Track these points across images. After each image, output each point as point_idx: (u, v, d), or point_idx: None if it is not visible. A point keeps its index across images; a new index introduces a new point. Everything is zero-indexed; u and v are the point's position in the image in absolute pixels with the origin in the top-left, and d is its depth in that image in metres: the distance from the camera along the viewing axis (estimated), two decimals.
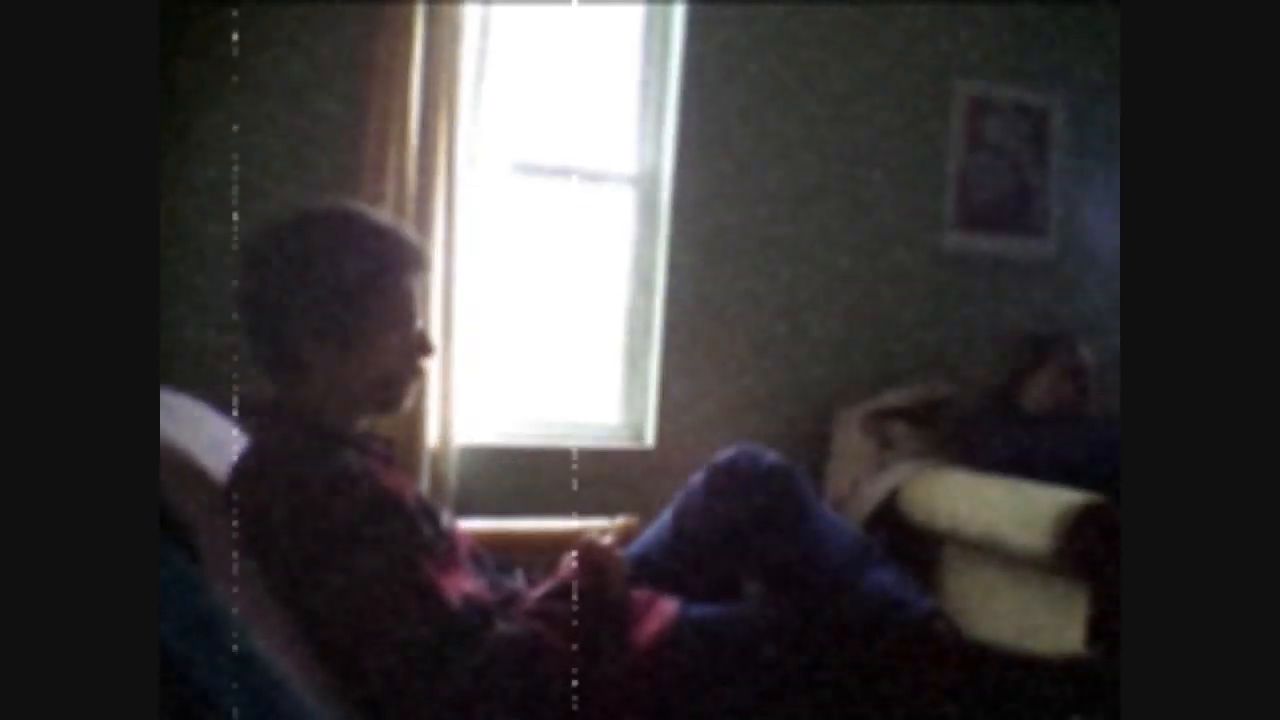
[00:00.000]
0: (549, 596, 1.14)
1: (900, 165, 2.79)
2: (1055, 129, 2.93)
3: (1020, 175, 2.90)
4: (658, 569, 1.34)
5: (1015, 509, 1.99)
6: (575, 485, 2.45)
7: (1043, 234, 2.93)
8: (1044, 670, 1.13)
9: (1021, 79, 2.90)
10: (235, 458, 1.17)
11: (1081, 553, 1.85)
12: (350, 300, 1.15)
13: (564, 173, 2.58)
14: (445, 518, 1.22)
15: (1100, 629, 1.87)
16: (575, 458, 2.46)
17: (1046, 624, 1.96)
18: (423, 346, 1.24)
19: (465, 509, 2.10)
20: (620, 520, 1.61)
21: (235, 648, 0.69)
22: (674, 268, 2.58)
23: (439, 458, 2.21)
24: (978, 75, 2.84)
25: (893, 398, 2.56)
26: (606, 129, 2.64)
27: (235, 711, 0.64)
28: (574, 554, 1.20)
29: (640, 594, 1.25)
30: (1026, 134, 2.90)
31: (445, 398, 2.22)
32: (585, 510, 2.03)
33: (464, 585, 1.11)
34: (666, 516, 1.40)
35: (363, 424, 1.25)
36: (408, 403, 1.26)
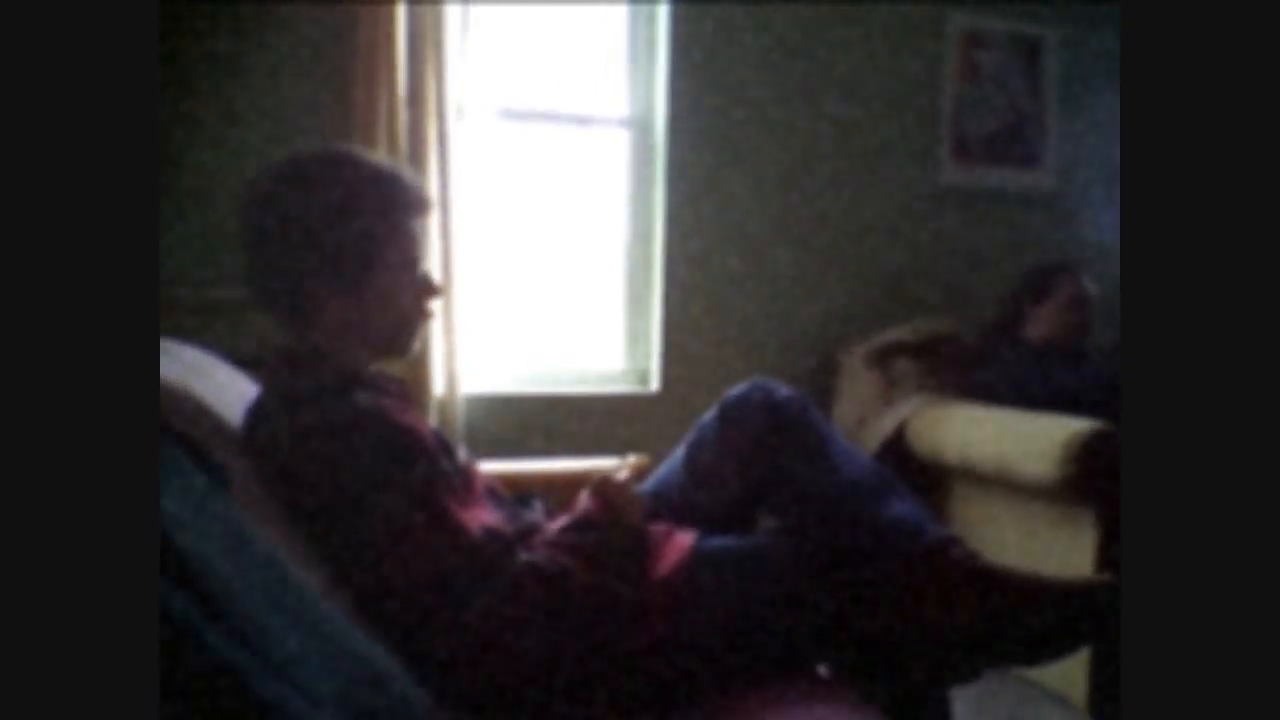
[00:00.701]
0: (568, 529, 1.15)
1: (895, 99, 2.76)
2: (1050, 59, 2.89)
3: (1016, 106, 2.87)
4: (673, 503, 1.35)
5: (1022, 439, 2.00)
6: (583, 431, 2.46)
7: (1040, 165, 2.91)
8: (1061, 594, 1.13)
9: (1014, 9, 2.86)
10: (249, 403, 1.17)
11: (1089, 479, 1.87)
12: (358, 241, 1.14)
13: (555, 118, 2.55)
14: (462, 453, 1.23)
15: (1108, 554, 1.90)
16: (582, 404, 2.47)
17: (1054, 551, 1.98)
18: (429, 288, 1.23)
19: (476, 456, 2.11)
20: (634, 458, 1.62)
21: (269, 568, 0.70)
22: (672, 211, 2.56)
23: (446, 406, 2.21)
24: (970, 7, 2.80)
25: (896, 334, 2.56)
26: (597, 73, 2.60)
27: (275, 624, 0.65)
28: (590, 490, 1.21)
29: (657, 527, 1.25)
30: (1021, 65, 2.87)
31: (449, 346, 2.22)
32: (595, 455, 2.04)
33: (484, 518, 1.11)
34: (680, 452, 1.40)
35: (373, 368, 1.25)
36: (416, 345, 1.25)
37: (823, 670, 1.29)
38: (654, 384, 2.59)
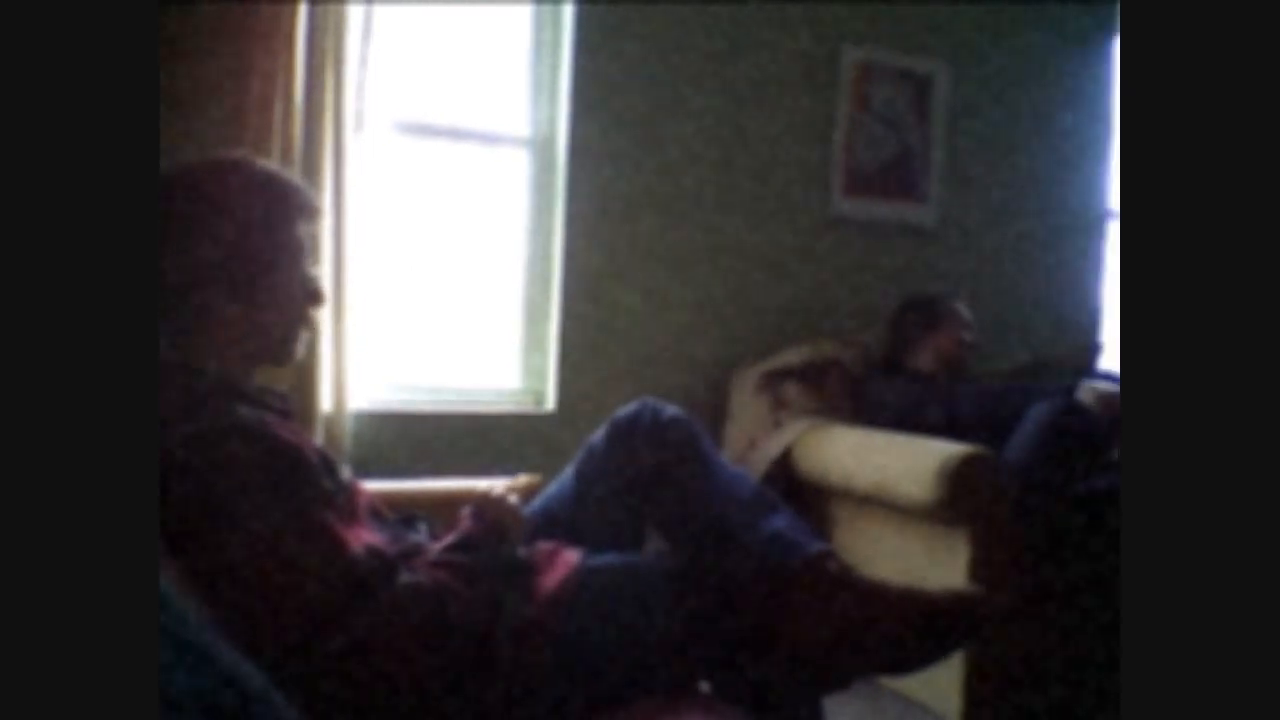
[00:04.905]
0: (451, 548, 1.14)
1: (791, 129, 2.85)
2: (939, 95, 3.03)
3: (905, 141, 2.99)
4: (561, 522, 1.36)
5: (902, 462, 2.08)
6: (476, 450, 2.44)
7: (925, 199, 3.04)
8: (931, 604, 1.18)
9: (906, 45, 2.99)
10: None
11: (963, 501, 1.96)
12: (238, 246, 1.12)
13: (456, 134, 2.54)
14: (345, 471, 1.21)
15: (979, 573, 1.99)
16: (476, 423, 2.45)
17: (930, 570, 2.07)
18: (313, 295, 1.22)
19: (363, 474, 2.07)
20: (523, 478, 1.61)
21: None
22: (571, 232, 2.57)
23: (333, 422, 2.17)
24: (864, 41, 2.91)
25: (786, 359, 2.63)
26: (499, 91, 2.61)
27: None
28: (472, 508, 1.21)
29: (544, 546, 1.26)
30: (911, 100, 2.99)
31: (338, 362, 2.18)
32: (487, 475, 2.02)
33: (366, 537, 1.09)
34: (569, 471, 1.41)
35: (256, 379, 1.22)
36: (299, 352, 1.23)
37: (705, 687, 1.31)
38: (549, 404, 2.59)
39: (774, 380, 2.59)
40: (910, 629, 1.18)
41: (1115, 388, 2.12)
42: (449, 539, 1.18)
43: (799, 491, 2.40)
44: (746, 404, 2.59)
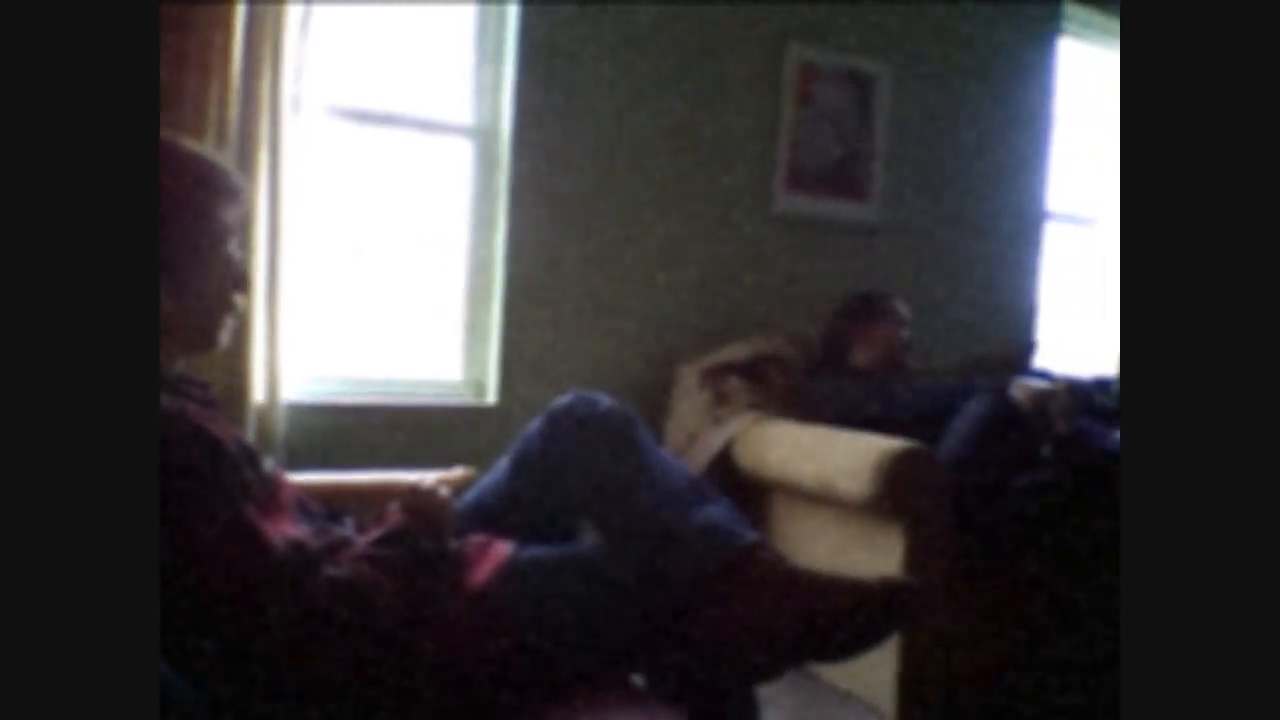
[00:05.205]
0: (378, 542, 1.12)
1: (737, 125, 2.85)
2: (881, 96, 3.06)
3: (847, 140, 3.02)
4: (495, 514, 1.34)
5: (840, 457, 2.10)
6: (416, 443, 2.41)
7: (867, 198, 3.07)
8: (862, 592, 1.19)
9: (850, 45, 3.01)
10: None
11: (899, 495, 1.98)
12: (170, 231, 1.08)
13: (397, 121, 2.50)
14: (268, 463, 1.18)
15: (914, 565, 2.02)
16: (415, 415, 2.42)
17: (868, 563, 2.09)
18: (238, 280, 1.18)
19: (298, 467, 2.03)
20: (458, 471, 1.60)
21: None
22: (514, 223, 2.55)
23: (265, 413, 2.12)
24: (809, 40, 2.93)
25: (728, 353, 2.64)
26: (442, 78, 2.57)
27: None
28: (400, 501, 1.19)
29: (475, 538, 1.24)
30: (854, 100, 3.02)
31: (272, 352, 2.13)
32: (426, 468, 1.99)
33: (288, 529, 1.07)
34: (503, 463, 1.39)
35: (179, 366, 1.18)
36: (224, 340, 1.19)
37: (637, 680, 1.31)
38: (491, 396, 2.57)
39: (716, 375, 2.60)
40: (843, 616, 1.18)
41: (1047, 385, 2.16)
42: (376, 532, 1.16)
43: (740, 486, 2.41)
44: (688, 399, 2.59)
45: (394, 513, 1.19)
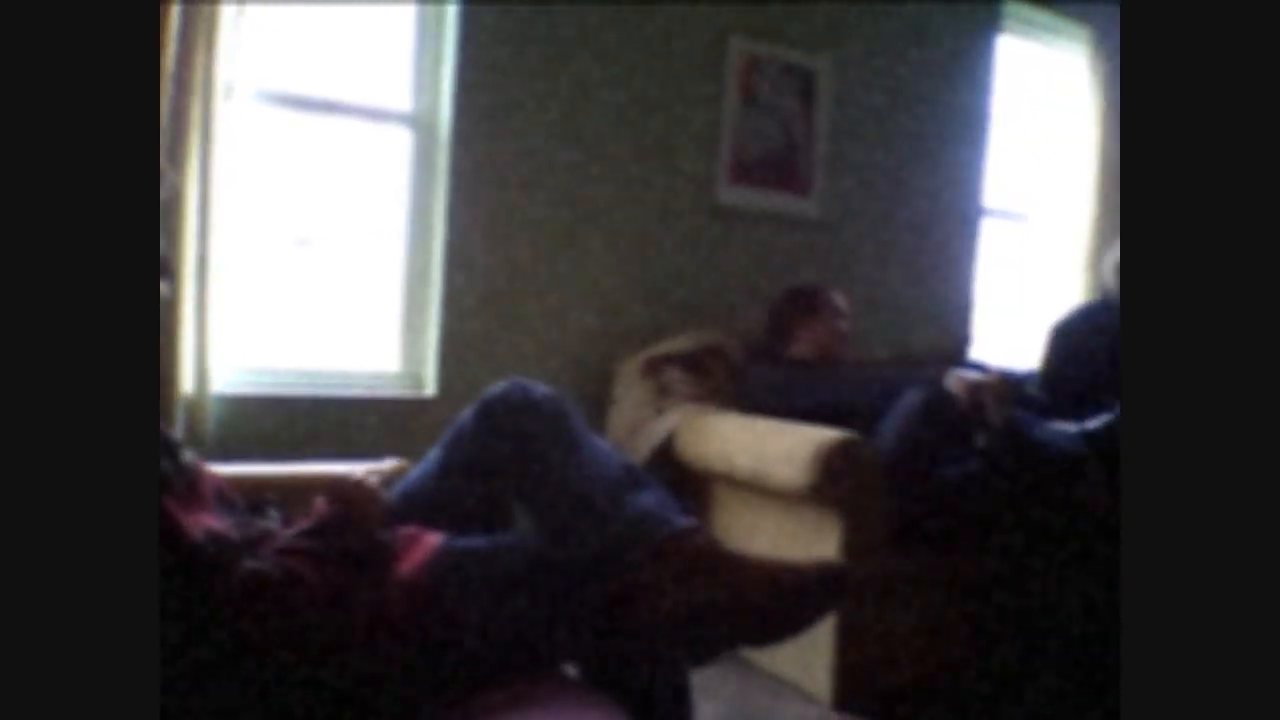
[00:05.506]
0: (302, 535, 1.10)
1: (680, 117, 2.85)
2: (823, 91, 3.08)
3: (789, 134, 3.04)
4: (426, 505, 1.32)
5: (779, 447, 2.12)
6: (354, 435, 2.37)
7: (809, 192, 3.09)
8: (794, 575, 1.19)
9: (792, 40, 3.03)
10: None
11: (835, 485, 2.00)
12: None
13: (333, 108, 2.45)
14: (187, 455, 1.15)
15: (851, 553, 2.04)
16: (352, 407, 2.38)
17: (804, 553, 2.10)
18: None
19: (230, 460, 1.99)
20: (390, 462, 1.57)
21: None
22: (454, 213, 2.52)
23: (194, 404, 2.07)
24: (751, 33, 2.94)
25: (670, 345, 2.64)
26: (382, 65, 2.53)
27: None
28: (326, 492, 1.17)
29: (405, 529, 1.23)
30: (796, 95, 3.04)
31: (201, 342, 2.08)
32: (363, 461, 1.96)
33: (208, 522, 1.05)
34: (435, 452, 1.37)
35: None
36: None
37: (571, 670, 1.30)
38: (430, 388, 2.54)
39: (657, 366, 2.60)
40: (775, 599, 1.19)
41: (981, 376, 2.19)
42: (301, 525, 1.14)
43: (682, 477, 2.41)
44: (630, 390, 2.59)
45: (321, 505, 1.16)
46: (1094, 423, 2.47)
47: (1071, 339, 2.87)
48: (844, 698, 2.06)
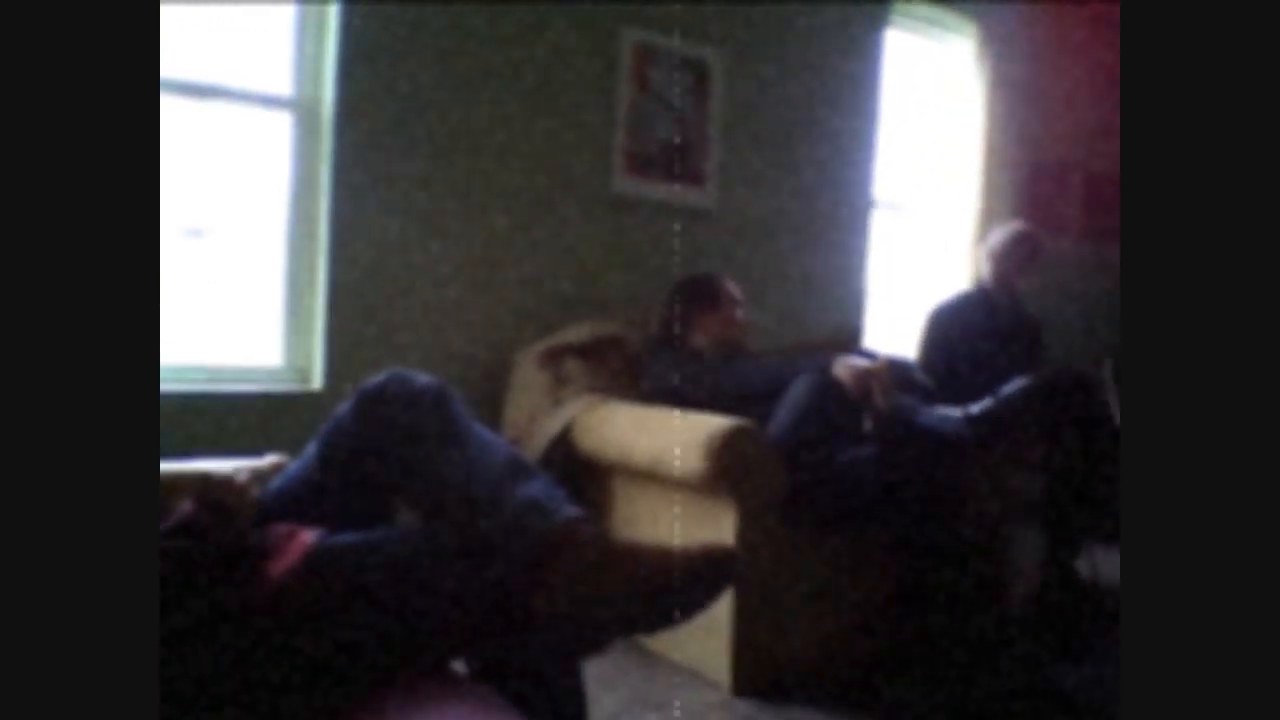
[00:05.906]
0: (166, 534, 1.04)
1: (573, 107, 2.83)
2: (716, 82, 3.10)
3: (683, 125, 3.05)
4: (304, 501, 1.27)
5: (674, 437, 2.12)
6: (233, 432, 2.28)
7: (703, 183, 3.11)
8: (682, 560, 1.19)
9: (684, 31, 3.04)
10: None
11: (729, 472, 2.01)
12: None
13: (212, 93, 2.34)
14: None
15: (745, 541, 2.06)
16: (231, 403, 2.28)
17: (701, 540, 2.11)
18: None
19: None
20: (269, 459, 1.51)
21: None
22: (339, 202, 2.44)
23: None
24: (645, 25, 2.93)
25: (567, 336, 2.62)
26: (260, 46, 2.43)
27: None
28: (193, 492, 1.11)
29: (279, 528, 1.17)
30: (689, 86, 3.05)
31: None
32: (240, 458, 1.88)
33: None
34: (312, 447, 1.32)
35: None
36: None
37: (459, 667, 1.27)
38: (317, 382, 2.45)
39: (555, 358, 2.57)
40: (663, 584, 1.18)
41: (867, 363, 2.24)
42: (166, 524, 1.08)
43: (580, 468, 2.40)
44: (527, 381, 2.56)
45: (186, 504, 1.10)
46: (976, 407, 2.56)
47: (945, 325, 2.97)
48: (743, 683, 2.08)
